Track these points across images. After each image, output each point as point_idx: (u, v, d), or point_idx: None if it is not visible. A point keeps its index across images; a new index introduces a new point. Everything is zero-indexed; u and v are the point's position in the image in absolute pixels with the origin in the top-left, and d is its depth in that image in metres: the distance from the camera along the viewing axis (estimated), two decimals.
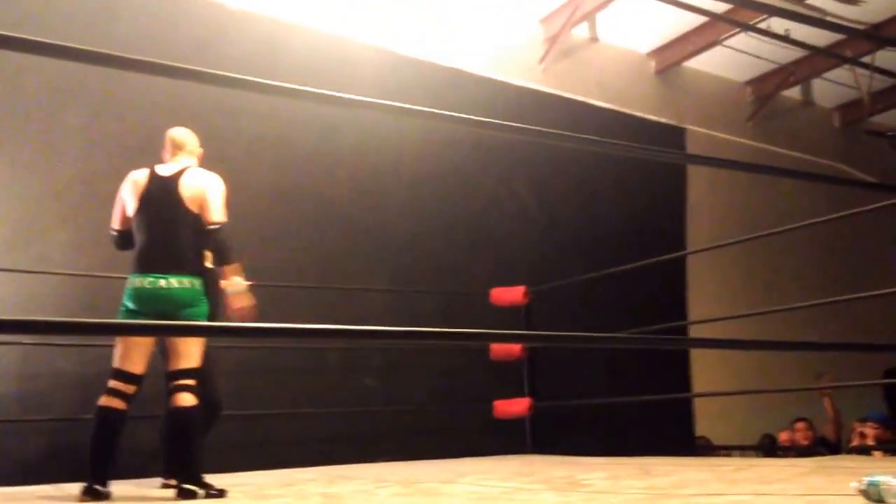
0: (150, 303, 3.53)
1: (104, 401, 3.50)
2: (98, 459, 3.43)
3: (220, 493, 3.49)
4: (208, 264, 4.17)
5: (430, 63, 6.92)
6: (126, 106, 5.49)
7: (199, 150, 3.94)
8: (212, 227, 3.63)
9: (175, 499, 3.44)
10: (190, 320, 3.55)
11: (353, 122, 6.37)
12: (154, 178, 3.71)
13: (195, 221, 3.65)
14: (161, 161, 3.85)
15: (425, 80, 6.68)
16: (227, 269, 3.75)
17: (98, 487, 3.38)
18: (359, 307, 6.21)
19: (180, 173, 3.70)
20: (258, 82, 2.11)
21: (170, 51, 5.44)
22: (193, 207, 3.64)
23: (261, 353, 5.68)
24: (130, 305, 3.56)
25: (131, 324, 3.34)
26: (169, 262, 3.57)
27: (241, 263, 3.84)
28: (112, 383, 3.51)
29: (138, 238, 3.67)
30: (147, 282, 3.54)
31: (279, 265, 5.83)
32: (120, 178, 3.83)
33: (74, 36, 2.70)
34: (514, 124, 2.52)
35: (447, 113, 2.36)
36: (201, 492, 3.43)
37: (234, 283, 3.80)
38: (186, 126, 3.99)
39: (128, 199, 3.72)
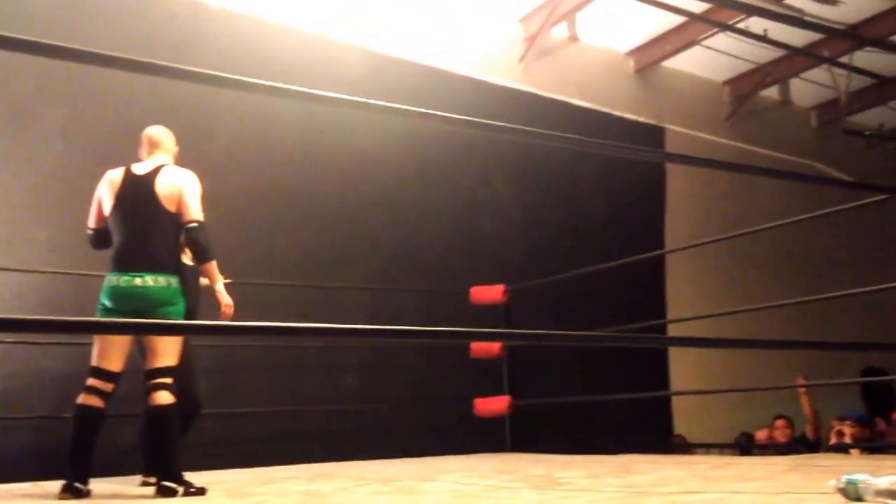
0: (126, 301, 3.53)
1: (83, 399, 3.50)
2: (77, 457, 3.43)
3: (200, 491, 3.50)
4: (186, 261, 4.15)
5: (409, 62, 6.91)
6: (105, 103, 5.46)
7: (174, 149, 3.93)
8: (190, 225, 3.64)
9: (154, 496, 3.43)
10: (167, 319, 3.54)
11: (334, 121, 6.35)
12: (129, 176, 3.71)
13: (171, 219, 3.65)
14: (138, 159, 3.84)
15: (405, 79, 6.67)
16: (206, 267, 3.74)
17: (78, 485, 3.38)
18: (338, 305, 6.20)
19: (156, 171, 3.70)
20: (243, 80, 2.09)
21: (151, 49, 5.42)
22: (169, 206, 3.64)
23: (241, 351, 5.67)
24: (107, 304, 3.57)
25: (111, 322, 3.29)
26: (145, 261, 3.58)
27: (217, 262, 3.83)
28: (90, 381, 3.52)
29: (115, 237, 3.68)
30: (123, 280, 3.55)
31: (258, 263, 5.82)
32: (99, 175, 3.83)
33: (55, 34, 2.67)
34: (494, 122, 2.52)
35: (428, 111, 2.35)
36: (180, 489, 3.44)
37: (220, 284, 3.81)
38: (166, 124, 3.98)
39: (104, 197, 3.73)
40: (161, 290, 3.56)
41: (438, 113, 2.38)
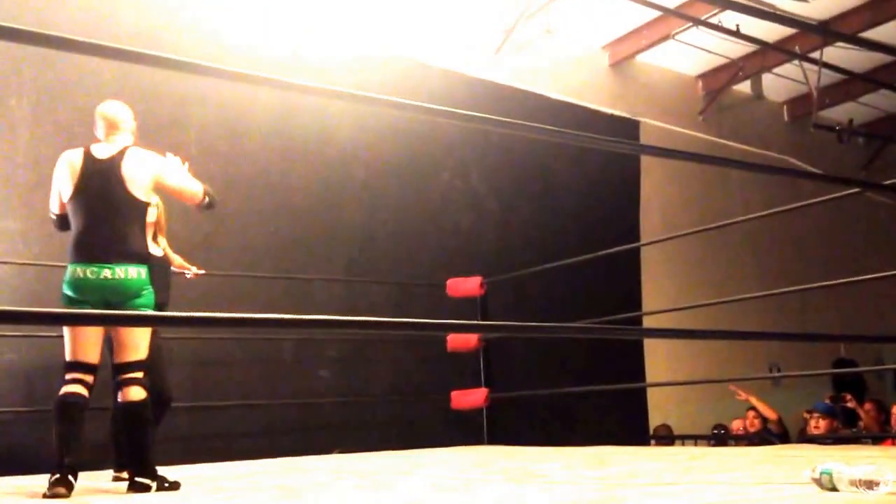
0: (93, 293, 3.38)
1: (64, 390, 3.36)
2: (67, 449, 3.27)
3: (174, 486, 3.45)
4: (155, 252, 4.11)
5: (389, 55, 6.89)
6: (74, 92, 5.37)
7: (134, 125, 3.67)
8: (204, 203, 3.72)
9: (127, 492, 3.37)
10: (137, 311, 3.40)
11: (308, 112, 6.32)
12: (90, 159, 3.50)
13: (139, 207, 3.50)
14: (95, 140, 3.61)
15: (381, 71, 6.65)
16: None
17: (72, 479, 3.23)
18: (313, 298, 6.18)
19: (121, 155, 3.50)
20: (218, 68, 2.07)
21: (120, 35, 5.35)
22: (138, 193, 3.47)
23: (214, 344, 5.62)
24: (72, 295, 3.41)
25: (81, 313, 3.17)
26: (112, 250, 3.41)
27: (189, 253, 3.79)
28: (70, 375, 3.38)
29: (75, 223, 3.48)
30: (90, 271, 3.39)
31: (232, 255, 5.78)
32: None
33: (26, 19, 2.63)
34: (472, 113, 2.51)
35: (405, 101, 2.34)
36: (154, 484, 3.37)
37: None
38: (136, 112, 3.83)
39: (63, 181, 3.51)
40: (130, 281, 3.41)
41: (415, 103, 2.37)
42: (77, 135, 4.98)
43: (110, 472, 3.98)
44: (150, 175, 3.52)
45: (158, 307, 4.09)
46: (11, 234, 5.10)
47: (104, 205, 3.46)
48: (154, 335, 4.25)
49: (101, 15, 5.57)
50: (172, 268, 4.54)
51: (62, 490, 3.18)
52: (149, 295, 3.51)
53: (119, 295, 3.41)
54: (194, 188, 3.65)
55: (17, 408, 4.74)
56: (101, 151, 3.53)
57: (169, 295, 4.41)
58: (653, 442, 7.29)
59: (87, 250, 3.43)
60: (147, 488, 3.34)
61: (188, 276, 4.71)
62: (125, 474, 3.56)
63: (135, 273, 3.44)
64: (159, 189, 3.61)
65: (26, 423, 4.73)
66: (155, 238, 4.31)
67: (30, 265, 4.95)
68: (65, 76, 5.34)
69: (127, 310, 3.38)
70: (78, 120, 5.24)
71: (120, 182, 3.45)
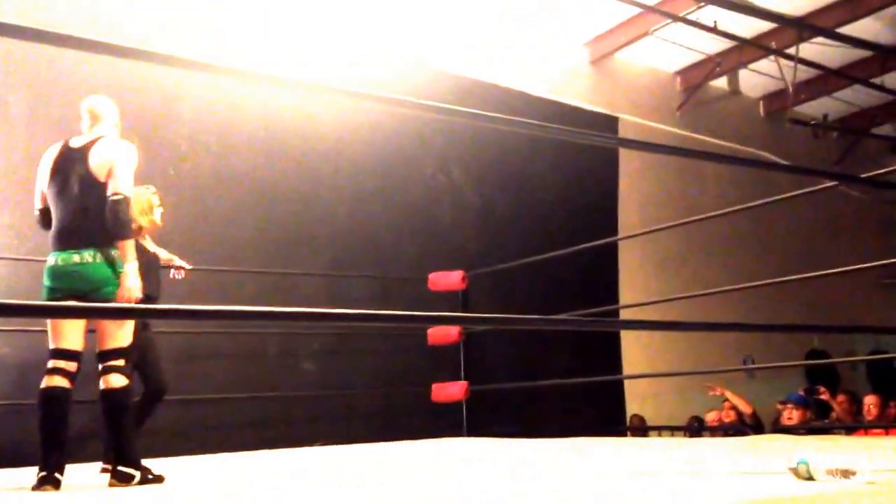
0: (64, 280, 3.38)
1: (46, 381, 3.35)
2: (51, 444, 3.26)
3: (158, 479, 3.43)
4: (150, 246, 4.12)
5: (375, 50, 6.90)
6: (70, 88, 5.31)
7: (118, 120, 3.67)
8: (114, 197, 3.39)
9: (109, 482, 3.36)
10: (108, 299, 3.37)
11: (293, 109, 6.33)
12: (65, 150, 3.52)
13: (104, 192, 3.43)
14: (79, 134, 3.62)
15: (365, 67, 6.65)
16: (120, 244, 3.43)
17: (58, 476, 3.22)
18: (297, 292, 6.19)
19: (92, 143, 3.49)
20: (209, 64, 2.08)
21: (114, 32, 5.34)
22: (102, 178, 3.43)
23: (199, 338, 5.62)
24: (48, 284, 3.42)
25: (62, 306, 3.20)
26: (81, 237, 3.40)
27: (177, 246, 3.76)
28: (52, 363, 3.38)
29: (52, 213, 3.49)
30: (61, 259, 3.39)
31: (218, 250, 5.79)
32: None
33: (25, 17, 2.62)
34: (455, 107, 2.54)
35: (387, 96, 2.35)
36: (137, 475, 3.35)
37: (130, 265, 3.50)
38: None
39: (41, 173, 3.53)
40: (98, 267, 3.38)
41: (399, 97, 2.38)
42: (73, 131, 4.96)
43: (99, 464, 3.97)
44: (109, 159, 3.45)
45: (149, 301, 4.11)
46: (5, 229, 5.08)
47: (72, 191, 3.45)
48: (146, 329, 4.27)
49: (97, 12, 5.55)
50: (160, 263, 4.55)
51: (49, 488, 3.18)
52: (117, 281, 3.44)
53: (87, 282, 3.37)
54: (123, 186, 3.45)
55: (11, 400, 4.71)
56: (77, 141, 3.54)
57: (159, 289, 4.43)
58: (628, 433, 7.37)
59: (59, 237, 3.45)
60: (129, 478, 3.33)
61: (172, 275, 4.71)
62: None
63: (101, 258, 3.41)
64: (108, 168, 3.45)
65: (19, 415, 4.71)
66: (141, 233, 4.31)
67: (22, 261, 4.92)
68: (60, 72, 5.31)
69: (99, 299, 3.37)
70: (74, 116, 5.21)
71: (87, 169, 3.44)
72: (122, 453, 3.39)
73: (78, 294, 3.37)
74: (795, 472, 2.47)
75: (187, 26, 5.91)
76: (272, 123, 6.26)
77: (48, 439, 3.27)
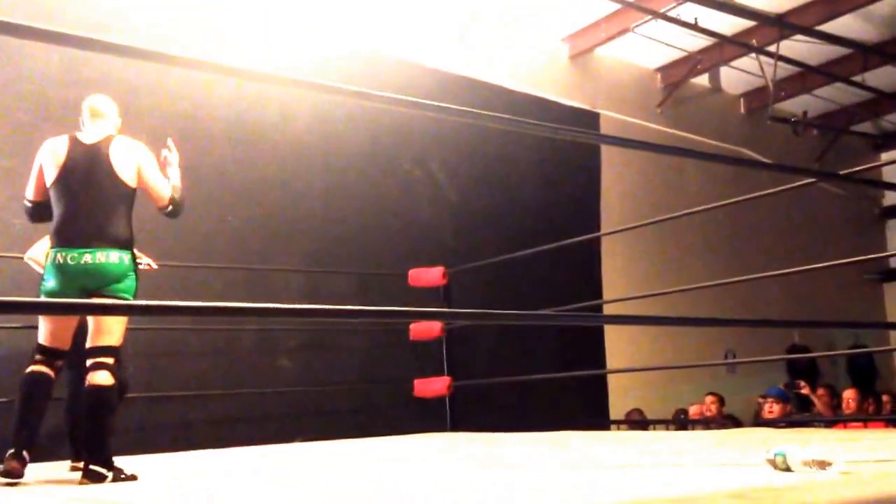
0: (72, 279, 3.36)
1: (31, 367, 3.37)
2: (25, 423, 3.28)
3: (131, 478, 3.38)
4: None
5: (352, 45, 6.88)
6: (23, 80, 5.28)
7: (119, 121, 3.70)
8: (167, 210, 3.64)
9: (81, 481, 3.32)
10: (117, 296, 3.38)
11: (267, 103, 6.30)
12: (77, 145, 3.50)
13: (127, 193, 3.49)
14: (78, 130, 3.62)
15: (342, 61, 6.64)
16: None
17: (24, 454, 3.23)
18: (274, 288, 6.17)
19: (107, 141, 3.50)
20: (173, 56, 2.07)
21: (66, 23, 5.28)
22: (126, 179, 3.47)
23: (175, 335, 5.58)
24: (53, 281, 3.39)
25: (52, 302, 3.17)
26: (96, 235, 3.39)
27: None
28: (38, 357, 3.40)
29: (58, 209, 3.46)
30: (70, 257, 3.36)
31: (193, 245, 5.74)
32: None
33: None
34: (434, 103, 2.54)
35: (365, 90, 2.34)
36: (109, 474, 3.31)
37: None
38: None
39: (47, 167, 3.50)
40: (113, 266, 3.39)
41: (377, 93, 2.37)
42: (25, 124, 4.93)
43: (67, 463, 3.94)
44: (135, 161, 3.52)
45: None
46: None
47: (90, 189, 3.45)
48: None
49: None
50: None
51: (15, 465, 3.19)
52: (130, 280, 3.48)
53: (98, 280, 3.38)
54: (164, 191, 3.59)
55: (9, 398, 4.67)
56: (87, 137, 3.54)
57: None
58: (623, 426, 7.39)
59: (69, 235, 3.41)
60: (102, 477, 3.29)
61: (140, 268, 4.68)
62: (82, 464, 3.53)
63: (116, 258, 3.41)
64: (136, 175, 3.53)
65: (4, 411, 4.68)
66: None
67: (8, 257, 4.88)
68: (15, 65, 5.25)
69: (105, 295, 3.37)
70: (27, 109, 5.17)
71: (108, 166, 3.45)
72: (97, 452, 3.35)
73: (83, 292, 3.37)
74: (773, 463, 2.50)
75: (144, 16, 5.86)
76: (244, 117, 6.22)
77: (22, 418, 3.29)
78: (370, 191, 6.87)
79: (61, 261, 3.39)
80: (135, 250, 4.51)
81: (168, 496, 3.02)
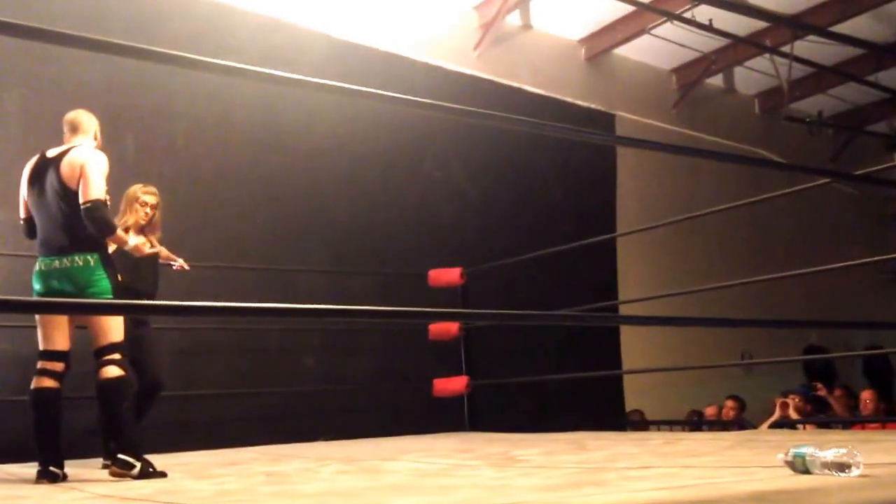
0: (51, 283, 3.55)
1: (35, 383, 3.54)
2: (43, 441, 3.44)
3: (160, 474, 3.48)
4: (148, 250, 4.16)
5: (366, 47, 6.93)
6: (65, 86, 5.36)
7: (94, 131, 3.79)
8: (85, 205, 3.52)
9: (110, 472, 3.44)
10: (94, 298, 3.51)
11: (293, 105, 6.34)
12: (41, 160, 3.68)
13: (77, 197, 3.56)
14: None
15: (362, 64, 6.69)
16: (111, 240, 3.69)
17: (53, 469, 3.38)
18: (296, 288, 6.23)
19: (64, 153, 3.63)
20: (204, 61, 2.09)
21: (109, 30, 5.35)
22: (72, 184, 3.56)
23: (201, 334, 5.66)
24: (36, 287, 3.61)
25: (58, 302, 3.36)
26: (60, 242, 3.58)
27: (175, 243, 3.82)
28: (40, 364, 3.56)
29: (36, 222, 3.68)
30: (44, 263, 3.58)
31: (218, 246, 5.81)
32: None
33: (9, 11, 2.65)
34: (453, 105, 2.57)
35: (385, 93, 2.37)
36: (138, 464, 3.42)
37: (130, 242, 3.84)
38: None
39: (23, 185, 3.72)
40: (78, 269, 3.54)
41: (397, 95, 2.40)
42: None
43: (100, 460, 4.02)
44: (78, 166, 3.57)
45: (146, 297, 4.18)
46: (2, 225, 5.11)
47: (47, 199, 3.62)
48: (141, 325, 4.32)
49: (91, 8, 5.56)
50: (159, 260, 4.59)
51: (44, 482, 3.35)
52: (101, 282, 3.58)
53: (70, 283, 3.54)
54: (93, 191, 3.55)
55: (10, 397, 4.75)
56: (52, 152, 3.69)
57: (156, 285, 4.48)
58: (628, 428, 7.42)
59: (42, 244, 3.64)
60: (130, 466, 3.40)
61: (174, 268, 4.77)
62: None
63: (81, 261, 3.56)
64: (78, 177, 3.57)
65: (15, 411, 4.75)
66: (143, 232, 4.35)
67: (19, 257, 4.95)
68: (55, 70, 5.33)
69: (84, 298, 3.51)
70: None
71: (57, 176, 3.58)
72: (121, 442, 3.49)
73: (64, 295, 3.53)
74: (791, 464, 2.49)
75: (175, 20, 5.90)
76: (269, 119, 6.28)
77: (40, 438, 3.46)
78: (392, 192, 6.92)
79: (39, 267, 3.62)
80: (166, 251, 4.59)
81: (194, 493, 3.06)
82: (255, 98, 6.13)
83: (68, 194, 3.56)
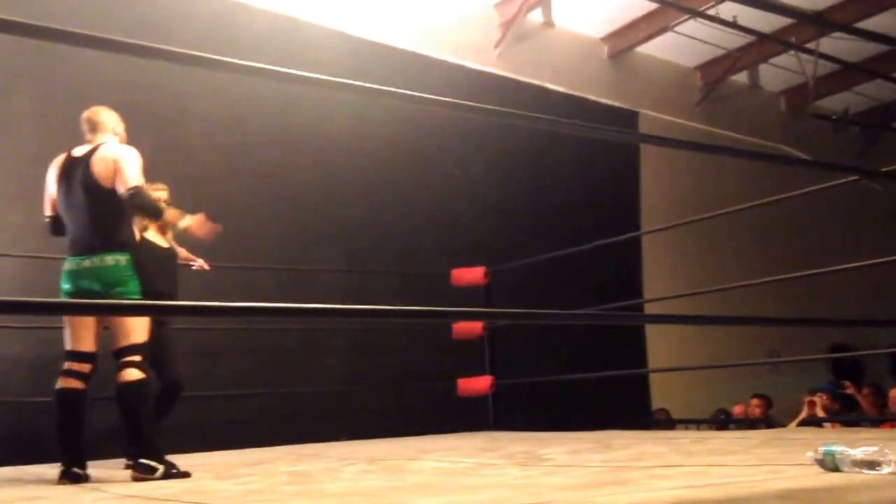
0: (80, 283, 3.55)
1: (61, 383, 3.53)
2: (67, 442, 3.45)
3: (183, 474, 3.47)
4: (162, 244, 4.19)
5: (385, 46, 6.93)
6: (78, 87, 5.40)
7: (119, 128, 3.80)
8: (128, 192, 3.51)
9: (132, 476, 3.43)
10: (121, 299, 3.50)
11: (310, 104, 6.36)
12: (69, 160, 3.68)
13: (110, 197, 3.57)
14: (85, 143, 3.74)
15: (382, 63, 6.69)
16: (165, 221, 3.75)
17: (76, 470, 3.39)
18: (317, 288, 6.24)
19: (92, 151, 3.63)
20: (220, 60, 2.08)
21: (121, 29, 5.37)
22: (106, 183, 3.56)
23: (223, 335, 5.68)
24: (66, 287, 3.59)
25: (78, 303, 3.33)
26: (90, 242, 3.56)
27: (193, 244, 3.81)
28: (66, 365, 3.55)
29: (65, 222, 3.68)
30: (74, 263, 3.57)
31: (237, 247, 5.81)
32: None
33: (22, 12, 2.66)
34: (473, 104, 2.56)
35: (405, 92, 2.36)
36: (160, 467, 3.41)
37: (185, 222, 3.85)
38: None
39: (49, 184, 3.72)
40: (108, 269, 3.54)
41: (417, 94, 2.39)
42: (80, 129, 5.03)
43: (122, 461, 4.03)
44: (112, 161, 3.58)
45: (167, 297, 4.19)
46: (17, 227, 5.15)
47: (79, 199, 3.61)
48: (162, 325, 4.34)
49: (103, 7, 5.60)
50: (178, 260, 4.61)
51: (66, 482, 3.36)
52: (130, 282, 3.58)
53: (99, 283, 3.53)
54: (131, 179, 3.55)
55: (25, 398, 4.80)
56: (79, 151, 3.69)
57: (176, 286, 4.49)
58: (654, 427, 7.37)
59: (71, 244, 3.63)
60: (152, 470, 3.40)
61: (193, 268, 4.79)
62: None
63: (111, 261, 3.56)
64: (113, 172, 3.58)
65: (35, 412, 4.81)
66: (162, 231, 4.38)
67: (34, 258, 5.00)
68: (69, 71, 5.37)
69: (111, 298, 3.50)
70: (80, 114, 5.28)
71: (90, 176, 3.58)
72: (143, 446, 3.48)
73: (92, 294, 3.52)
74: (822, 463, 2.47)
75: (187, 19, 5.93)
76: (286, 118, 6.31)
77: (64, 438, 3.46)
78: (412, 191, 6.92)
79: (68, 267, 3.60)
80: (185, 251, 4.60)
81: (219, 493, 3.07)
82: (270, 98, 6.15)
83: (100, 193, 3.56)
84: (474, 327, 6.31)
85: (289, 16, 6.52)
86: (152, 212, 3.69)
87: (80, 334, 3.56)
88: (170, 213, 4.02)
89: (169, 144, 5.70)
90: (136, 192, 3.52)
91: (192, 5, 6.07)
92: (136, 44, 1.98)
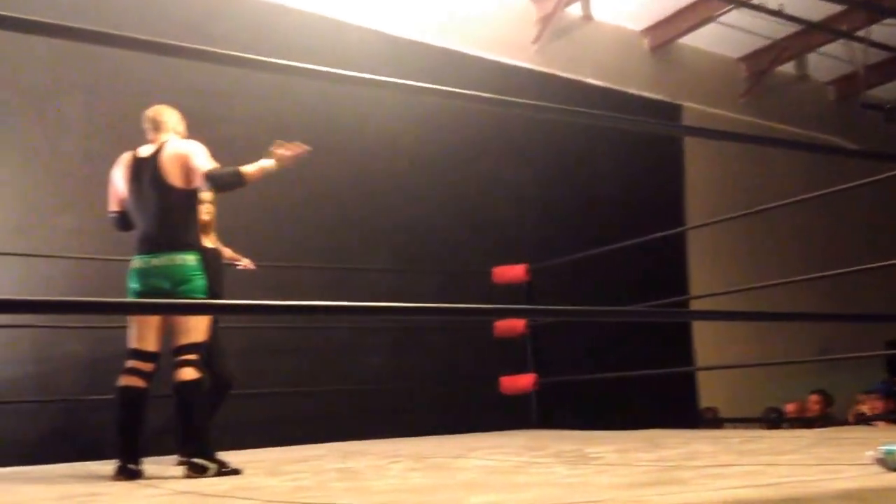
0: (147, 281, 3.57)
1: (124, 380, 3.55)
2: (125, 438, 3.48)
3: (235, 472, 3.50)
4: (208, 244, 4.21)
5: (423, 44, 6.92)
6: (125, 88, 5.47)
7: (181, 126, 3.84)
8: (206, 176, 3.54)
9: (184, 475, 3.46)
10: (186, 297, 3.55)
11: (352, 104, 6.37)
12: (136, 160, 3.71)
13: (180, 195, 3.63)
14: (148, 142, 3.78)
15: (420, 61, 6.67)
16: (252, 180, 3.64)
17: (131, 466, 3.43)
18: (361, 287, 6.25)
19: (159, 150, 3.67)
20: (261, 60, 2.11)
21: (165, 32, 5.41)
22: (176, 181, 3.61)
23: (270, 333, 5.71)
24: (134, 286, 3.62)
25: (134, 302, 3.39)
26: (159, 241, 3.59)
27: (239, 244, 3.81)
28: (129, 363, 3.58)
29: (134, 220, 3.71)
30: (142, 261, 3.59)
31: (280, 247, 5.87)
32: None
33: (70, 17, 2.68)
34: (515, 100, 2.53)
35: (445, 89, 2.33)
36: (212, 466, 3.44)
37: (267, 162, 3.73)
38: (182, 107, 3.95)
39: (118, 181, 3.74)
40: (176, 268, 3.57)
41: (456, 90, 2.36)
42: (128, 130, 5.09)
43: (175, 457, 4.06)
44: (181, 159, 3.62)
45: (213, 297, 4.21)
46: (68, 229, 5.22)
47: (148, 200, 3.64)
48: (212, 321, 4.36)
49: (149, 10, 5.66)
50: (223, 260, 4.64)
51: (122, 478, 3.40)
52: (197, 280, 3.62)
53: (166, 281, 3.56)
54: (203, 166, 3.59)
55: (82, 397, 4.87)
56: (145, 151, 3.73)
57: (223, 285, 4.52)
58: (702, 426, 7.26)
59: (140, 242, 3.65)
60: (204, 469, 3.43)
61: (238, 268, 4.82)
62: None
63: (179, 260, 3.59)
64: (184, 168, 3.61)
65: (88, 410, 4.88)
66: (206, 232, 4.40)
67: (84, 259, 5.06)
68: (114, 72, 5.44)
69: (178, 296, 3.54)
70: (127, 115, 5.33)
71: (159, 175, 3.62)
72: (195, 444, 3.52)
73: (160, 293, 3.54)
74: (883, 462, 2.40)
75: (226, 20, 5.96)
76: (328, 118, 6.30)
77: (122, 435, 3.50)
78: (453, 189, 6.90)
79: (136, 265, 3.62)
80: (230, 251, 4.63)
81: (270, 490, 3.07)
82: (311, 98, 6.17)
83: (170, 192, 3.61)
84: (516, 325, 6.27)
85: (325, 16, 6.52)
86: (236, 181, 3.61)
87: (145, 333, 3.59)
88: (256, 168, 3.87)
89: (213, 146, 5.72)
90: (213, 174, 3.55)
91: (232, 8, 6.10)
92: (181, 45, 2.00)
